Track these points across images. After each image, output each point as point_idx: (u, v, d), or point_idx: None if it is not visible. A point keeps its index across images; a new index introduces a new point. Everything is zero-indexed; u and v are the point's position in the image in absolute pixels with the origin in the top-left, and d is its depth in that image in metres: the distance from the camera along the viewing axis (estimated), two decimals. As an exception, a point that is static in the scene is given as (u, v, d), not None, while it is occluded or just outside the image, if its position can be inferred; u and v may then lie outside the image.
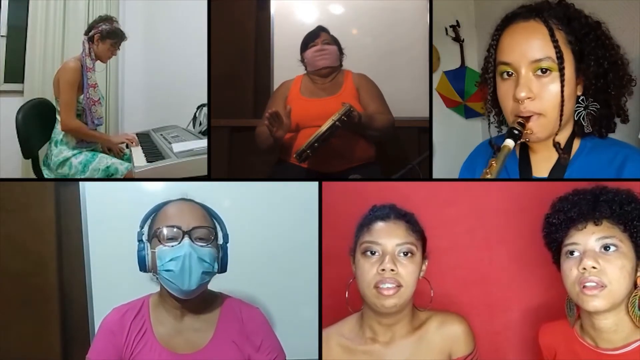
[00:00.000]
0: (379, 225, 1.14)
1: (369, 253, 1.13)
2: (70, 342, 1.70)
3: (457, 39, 2.41)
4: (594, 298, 1.00)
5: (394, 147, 2.39)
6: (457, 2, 2.43)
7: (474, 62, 2.43)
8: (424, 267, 1.17)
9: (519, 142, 1.06)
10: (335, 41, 2.09)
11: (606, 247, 1.02)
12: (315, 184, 1.50)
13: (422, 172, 1.80)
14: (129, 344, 1.17)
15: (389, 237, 1.12)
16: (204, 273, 1.14)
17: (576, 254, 1.04)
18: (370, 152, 2.03)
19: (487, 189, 1.39)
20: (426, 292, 1.19)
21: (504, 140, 1.07)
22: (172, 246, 1.13)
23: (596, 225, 1.03)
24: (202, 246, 1.14)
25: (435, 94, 2.45)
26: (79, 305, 1.66)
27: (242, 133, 2.48)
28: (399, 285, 1.10)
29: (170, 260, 1.12)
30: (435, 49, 2.40)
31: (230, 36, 2.54)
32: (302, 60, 2.10)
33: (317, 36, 2.07)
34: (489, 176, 1.05)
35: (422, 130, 2.43)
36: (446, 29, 2.43)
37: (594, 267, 1.00)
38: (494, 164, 1.05)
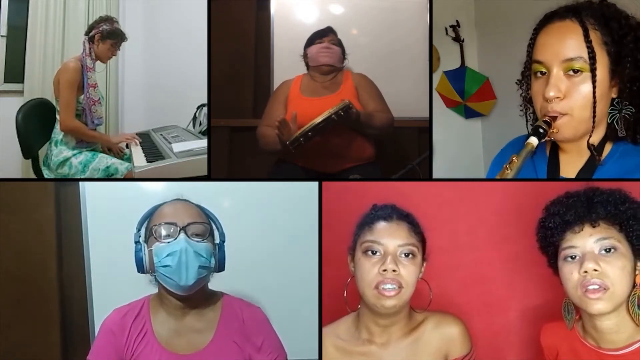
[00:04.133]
0: (381, 224, 1.14)
1: (370, 252, 1.12)
2: (70, 342, 1.70)
3: (457, 39, 2.41)
4: (597, 301, 0.99)
5: (394, 147, 2.39)
6: (457, 2, 2.43)
7: (474, 62, 2.43)
8: (422, 269, 1.17)
9: (543, 140, 1.05)
10: (340, 44, 2.11)
11: (607, 249, 1.01)
12: (315, 184, 1.50)
13: (422, 172, 1.80)
14: (129, 345, 1.17)
15: (391, 237, 1.12)
16: (201, 267, 1.14)
17: (575, 257, 1.03)
18: (370, 152, 2.03)
19: (487, 189, 1.39)
20: (424, 293, 1.19)
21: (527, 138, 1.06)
22: (169, 242, 1.13)
23: (593, 227, 1.03)
24: (197, 241, 1.15)
25: (435, 94, 2.45)
26: (79, 305, 1.67)
27: (242, 133, 2.48)
28: (400, 287, 1.10)
29: (167, 255, 1.12)
30: (435, 49, 2.40)
31: (230, 36, 2.54)
32: (305, 56, 2.11)
33: (325, 35, 2.09)
34: (508, 171, 1.04)
35: (422, 130, 2.44)
36: (446, 29, 2.43)
37: (595, 270, 1.00)
38: (515, 160, 1.04)
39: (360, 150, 2.00)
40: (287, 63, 2.43)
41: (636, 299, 1.02)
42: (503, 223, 1.38)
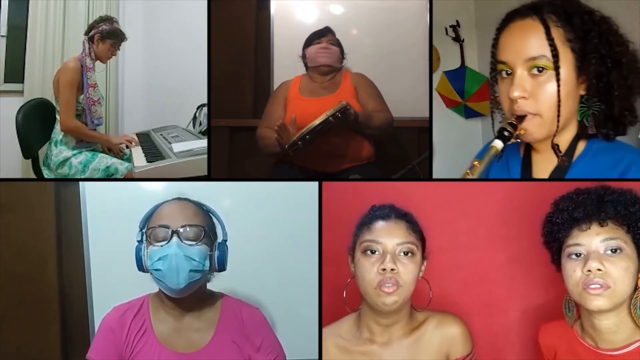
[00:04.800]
0: (380, 224, 1.14)
1: (369, 252, 1.13)
2: (70, 342, 1.70)
3: (457, 39, 2.41)
4: (597, 297, 0.99)
5: (393, 147, 2.39)
6: (457, 2, 2.43)
7: (474, 62, 2.43)
8: (422, 268, 1.17)
9: (509, 143, 1.02)
10: (339, 44, 2.11)
11: (612, 250, 1.01)
12: (315, 184, 1.50)
13: (422, 172, 1.80)
14: (129, 342, 1.17)
15: (389, 236, 1.12)
16: (193, 271, 1.14)
17: (580, 255, 1.02)
18: (370, 152, 2.03)
19: (487, 189, 1.38)
20: (425, 292, 1.19)
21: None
22: (161, 245, 1.14)
23: (601, 226, 1.02)
24: (190, 244, 1.14)
25: (435, 94, 2.45)
26: (79, 305, 1.66)
27: (242, 133, 2.48)
28: (399, 285, 1.10)
29: (158, 259, 1.13)
30: (435, 49, 2.40)
31: (230, 36, 2.54)
32: (303, 56, 2.12)
33: (323, 35, 2.10)
34: (469, 176, 1.01)
35: (422, 130, 2.43)
36: (446, 29, 2.43)
37: (599, 270, 0.99)
38: (477, 165, 1.01)
39: (360, 150, 2.00)
40: (287, 63, 2.43)
41: (639, 302, 1.02)
42: (503, 223, 1.38)
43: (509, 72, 1.04)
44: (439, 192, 1.42)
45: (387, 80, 2.25)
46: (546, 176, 1.11)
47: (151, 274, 1.16)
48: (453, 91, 2.43)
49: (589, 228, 1.02)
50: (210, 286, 1.24)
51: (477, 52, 2.44)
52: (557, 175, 1.09)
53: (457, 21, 2.41)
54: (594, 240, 1.02)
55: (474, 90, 2.39)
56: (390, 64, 2.53)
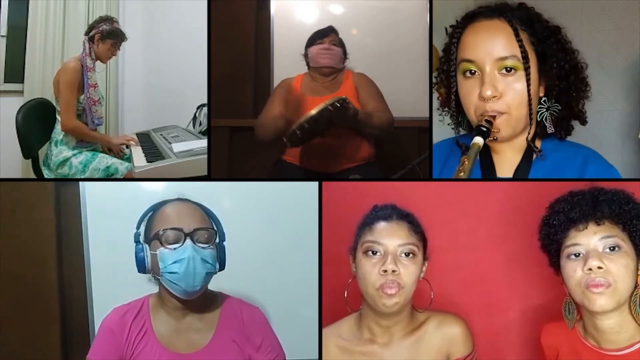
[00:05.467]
0: (382, 225, 1.14)
1: (370, 253, 1.13)
2: (70, 342, 1.70)
3: (457, 39, 2.41)
4: (600, 296, 1.00)
5: (393, 147, 2.39)
6: (457, 2, 2.42)
7: (474, 62, 2.43)
8: (424, 269, 1.17)
9: (487, 139, 1.06)
10: (342, 44, 2.10)
11: (611, 248, 1.02)
12: (315, 184, 1.50)
13: (422, 172, 1.80)
14: (129, 344, 1.17)
15: (391, 237, 1.13)
16: (207, 274, 1.15)
17: (579, 255, 1.04)
18: (370, 151, 2.03)
19: (487, 189, 1.39)
20: (425, 293, 1.19)
21: (472, 139, 1.06)
22: (175, 248, 1.13)
23: (598, 225, 1.04)
24: (203, 247, 1.15)
25: (435, 94, 2.45)
26: (79, 305, 1.66)
27: (242, 133, 2.48)
28: (401, 287, 1.10)
29: (174, 262, 1.12)
30: (435, 49, 2.40)
31: (230, 36, 2.54)
32: (305, 55, 2.11)
33: (326, 35, 2.08)
34: (462, 174, 1.04)
35: (422, 130, 2.44)
36: (446, 29, 2.41)
37: (599, 267, 1.00)
38: (467, 162, 1.05)
39: (360, 150, 2.00)
40: (287, 63, 2.43)
41: (638, 299, 1.03)
42: (503, 223, 1.38)
43: (473, 71, 1.06)
44: (439, 192, 1.42)
45: (387, 80, 2.25)
46: (510, 174, 1.15)
47: (162, 277, 1.15)
48: (453, 91, 2.43)
49: (586, 228, 1.04)
50: (210, 286, 1.24)
51: (477, 52, 2.43)
52: (522, 171, 1.14)
53: (457, 21, 2.41)
54: (592, 239, 1.03)
55: (474, 90, 2.39)
56: (390, 64, 2.53)
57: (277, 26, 2.58)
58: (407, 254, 1.12)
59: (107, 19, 2.20)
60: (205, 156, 1.95)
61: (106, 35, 2.16)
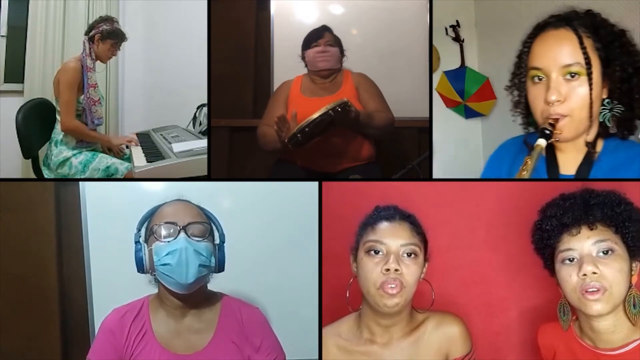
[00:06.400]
0: (384, 225, 1.15)
1: (373, 252, 1.13)
2: (70, 342, 1.70)
3: (457, 39, 2.41)
4: (596, 302, 1.01)
5: (394, 147, 2.39)
6: (457, 2, 2.43)
7: (474, 62, 2.43)
8: (424, 269, 1.17)
9: (550, 141, 1.11)
10: (337, 42, 2.08)
11: (604, 252, 1.03)
12: (315, 184, 1.50)
13: (422, 172, 1.80)
14: (129, 344, 1.17)
15: (393, 237, 1.13)
16: (201, 266, 1.14)
17: (574, 259, 1.04)
18: (370, 151, 2.03)
19: (487, 189, 1.39)
20: (425, 293, 1.19)
21: (536, 140, 1.12)
22: (169, 241, 1.14)
23: (590, 229, 1.04)
24: (198, 240, 1.15)
25: (435, 94, 2.45)
26: (79, 305, 1.67)
27: (242, 133, 2.48)
28: (402, 286, 1.10)
29: (167, 254, 1.13)
30: (435, 49, 2.40)
31: (230, 36, 2.54)
32: (303, 58, 2.10)
33: (320, 36, 2.06)
34: (524, 173, 1.10)
35: (422, 130, 2.44)
36: (446, 29, 2.42)
37: (594, 273, 1.01)
38: (529, 162, 1.10)
39: (360, 150, 2.00)
40: (287, 63, 2.43)
41: (632, 299, 1.04)
42: (503, 223, 1.38)
43: (541, 77, 1.12)
44: (439, 192, 1.42)
45: (387, 80, 2.25)
46: (573, 172, 1.19)
47: (156, 271, 1.15)
48: (453, 91, 2.43)
49: (579, 232, 1.05)
50: (210, 286, 1.24)
51: (477, 52, 2.44)
52: (584, 170, 1.18)
53: (457, 21, 2.41)
54: (585, 244, 1.04)
55: (474, 90, 2.39)
56: (390, 64, 2.53)
57: (277, 26, 2.59)
58: (409, 254, 1.12)
59: (107, 19, 2.20)
60: (205, 156, 1.95)
61: (106, 35, 2.16)
